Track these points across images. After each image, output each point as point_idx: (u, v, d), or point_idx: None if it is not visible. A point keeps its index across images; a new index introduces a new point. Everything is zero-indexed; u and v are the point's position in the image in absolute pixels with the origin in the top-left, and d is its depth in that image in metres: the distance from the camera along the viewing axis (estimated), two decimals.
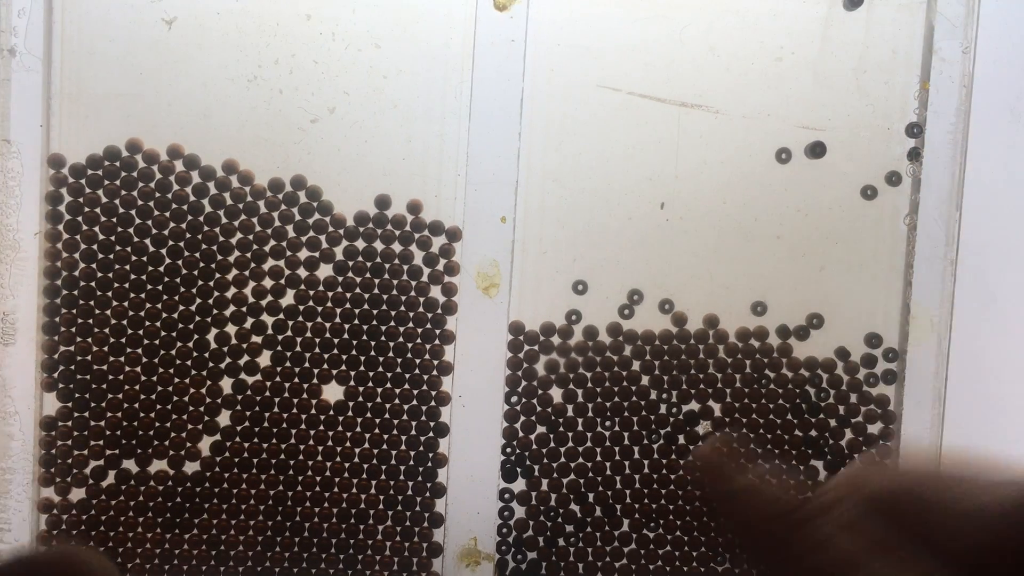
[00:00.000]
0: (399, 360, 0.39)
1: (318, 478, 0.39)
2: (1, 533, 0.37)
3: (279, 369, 0.38)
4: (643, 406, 0.40)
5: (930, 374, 0.40)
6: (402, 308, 0.39)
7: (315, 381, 0.38)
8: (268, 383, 0.38)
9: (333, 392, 0.39)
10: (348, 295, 0.38)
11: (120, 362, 0.37)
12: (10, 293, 0.37)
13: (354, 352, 0.38)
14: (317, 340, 0.38)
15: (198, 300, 0.38)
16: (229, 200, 0.38)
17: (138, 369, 0.38)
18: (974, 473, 0.22)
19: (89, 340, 0.37)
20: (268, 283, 0.38)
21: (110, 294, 0.37)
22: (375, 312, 0.38)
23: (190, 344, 0.38)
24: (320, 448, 0.39)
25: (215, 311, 0.38)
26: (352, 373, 0.39)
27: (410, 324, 0.39)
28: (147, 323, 0.37)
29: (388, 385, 0.39)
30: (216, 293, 0.38)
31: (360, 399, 0.39)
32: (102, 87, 0.37)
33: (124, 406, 0.38)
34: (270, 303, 0.38)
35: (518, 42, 0.38)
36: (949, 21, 0.39)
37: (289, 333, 0.38)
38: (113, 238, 0.37)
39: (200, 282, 0.38)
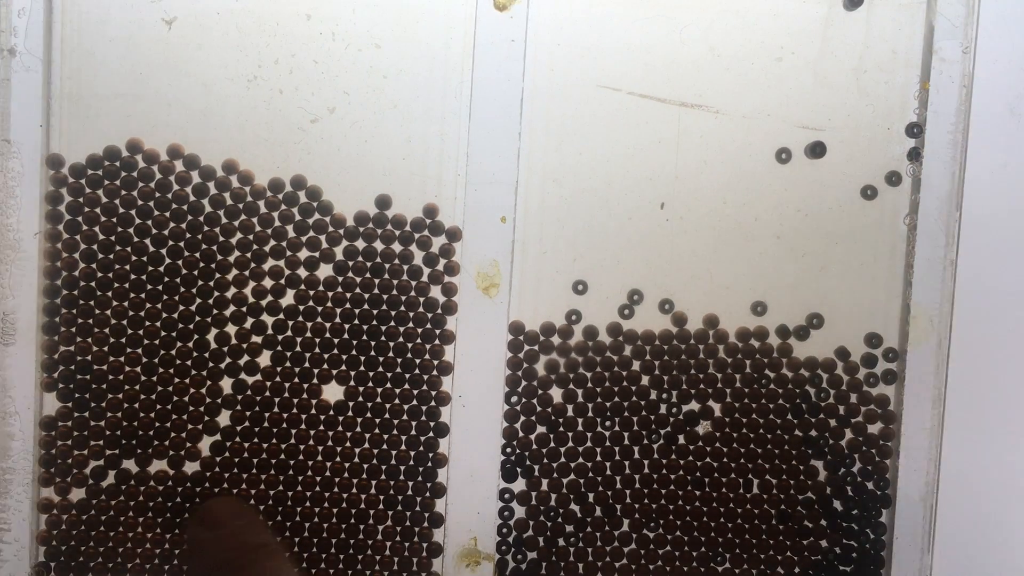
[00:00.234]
0: (399, 360, 0.39)
1: (318, 478, 0.39)
2: (1, 533, 0.37)
3: (279, 369, 0.38)
4: (643, 406, 0.40)
5: (930, 374, 0.40)
6: (402, 308, 0.39)
7: (315, 381, 0.38)
8: (268, 383, 0.38)
9: (333, 392, 0.39)
10: (348, 295, 0.38)
11: (120, 362, 0.37)
12: (10, 293, 0.37)
13: (354, 352, 0.38)
14: (317, 340, 0.38)
15: (198, 300, 0.38)
16: (229, 200, 0.38)
17: (138, 369, 0.38)
18: None
19: (89, 340, 0.37)
20: (268, 283, 0.38)
21: (110, 294, 0.37)
22: (375, 312, 0.38)
23: (190, 344, 0.38)
24: (320, 448, 0.39)
25: (215, 311, 0.38)
26: (352, 373, 0.39)
27: (410, 324, 0.39)
28: (147, 323, 0.37)
29: (388, 385, 0.39)
30: (216, 293, 0.38)
31: (360, 399, 0.39)
32: (102, 87, 0.37)
33: (124, 406, 0.38)
34: (270, 303, 0.38)
35: (518, 42, 0.38)
36: (949, 21, 0.39)
37: (289, 333, 0.38)
38: (113, 238, 0.37)
39: (200, 282, 0.38)
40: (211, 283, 0.38)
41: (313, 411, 0.39)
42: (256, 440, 0.38)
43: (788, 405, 0.40)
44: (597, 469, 0.40)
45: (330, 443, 0.39)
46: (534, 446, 0.40)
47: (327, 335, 0.38)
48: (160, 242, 0.37)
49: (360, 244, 0.38)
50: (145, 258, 0.37)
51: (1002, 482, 0.41)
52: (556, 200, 0.39)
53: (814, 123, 0.39)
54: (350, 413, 0.39)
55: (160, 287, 0.37)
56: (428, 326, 0.39)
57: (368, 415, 0.39)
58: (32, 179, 0.36)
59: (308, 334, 0.38)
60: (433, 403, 0.39)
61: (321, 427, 0.39)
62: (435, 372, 0.39)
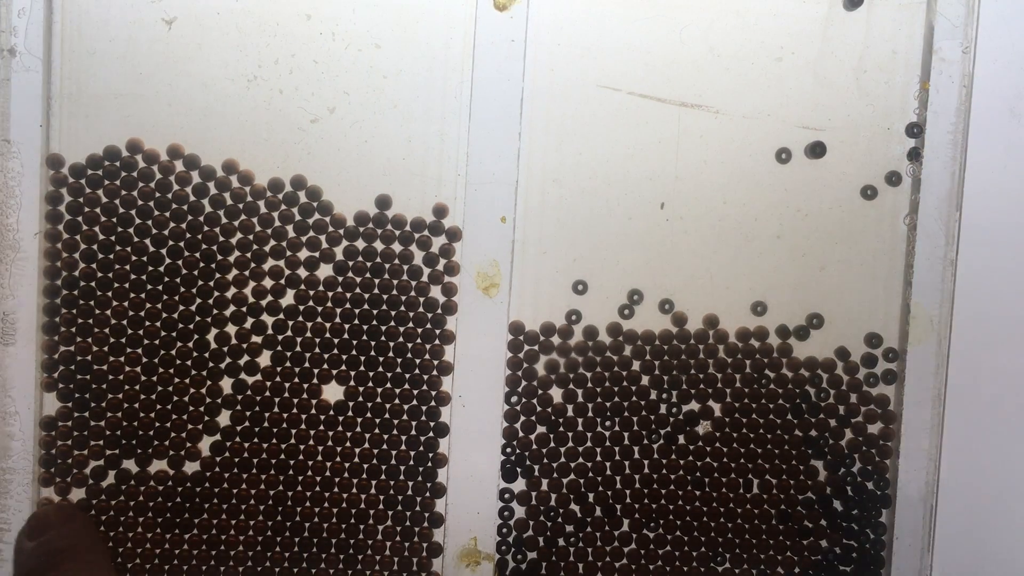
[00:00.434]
0: (399, 360, 0.39)
1: (318, 478, 0.39)
2: (1, 533, 0.37)
3: (279, 369, 0.38)
4: (643, 406, 0.40)
5: (930, 374, 0.40)
6: (402, 308, 0.39)
7: (315, 381, 0.38)
8: (268, 383, 0.38)
9: (333, 392, 0.39)
10: (348, 295, 0.38)
11: (120, 362, 0.37)
12: (10, 293, 0.37)
13: (354, 352, 0.38)
14: (317, 340, 0.38)
15: (198, 300, 0.38)
16: (229, 200, 0.38)
17: (138, 369, 0.38)
18: None
19: (89, 340, 0.37)
20: (268, 283, 0.38)
21: (110, 294, 0.37)
22: (375, 312, 0.38)
23: (190, 344, 0.38)
24: (320, 448, 0.39)
25: (215, 311, 0.38)
26: (352, 373, 0.39)
27: (410, 324, 0.39)
28: (147, 323, 0.37)
29: (388, 385, 0.39)
30: (216, 293, 0.38)
31: (360, 399, 0.39)
32: (102, 87, 0.37)
33: (124, 406, 0.38)
34: (270, 303, 0.38)
35: (518, 42, 0.38)
36: (949, 21, 0.39)
37: (289, 333, 0.38)
38: (113, 238, 0.37)
39: (200, 282, 0.38)
40: (211, 283, 0.38)
41: (313, 411, 0.39)
42: (256, 440, 0.38)
43: (788, 405, 0.40)
44: (597, 469, 0.40)
45: (330, 443, 0.39)
46: (534, 446, 0.40)
47: (327, 335, 0.38)
48: (160, 242, 0.37)
49: (360, 244, 0.38)
50: (145, 258, 0.37)
51: (1002, 482, 0.41)
52: (556, 200, 0.39)
53: (814, 123, 0.39)
54: (350, 413, 0.39)
55: (160, 287, 0.37)
56: (428, 326, 0.39)
57: (368, 415, 0.39)
58: (32, 179, 0.36)
59: (308, 334, 0.38)
60: (433, 403, 0.39)
61: (321, 427, 0.39)
62: (435, 372, 0.39)
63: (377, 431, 0.39)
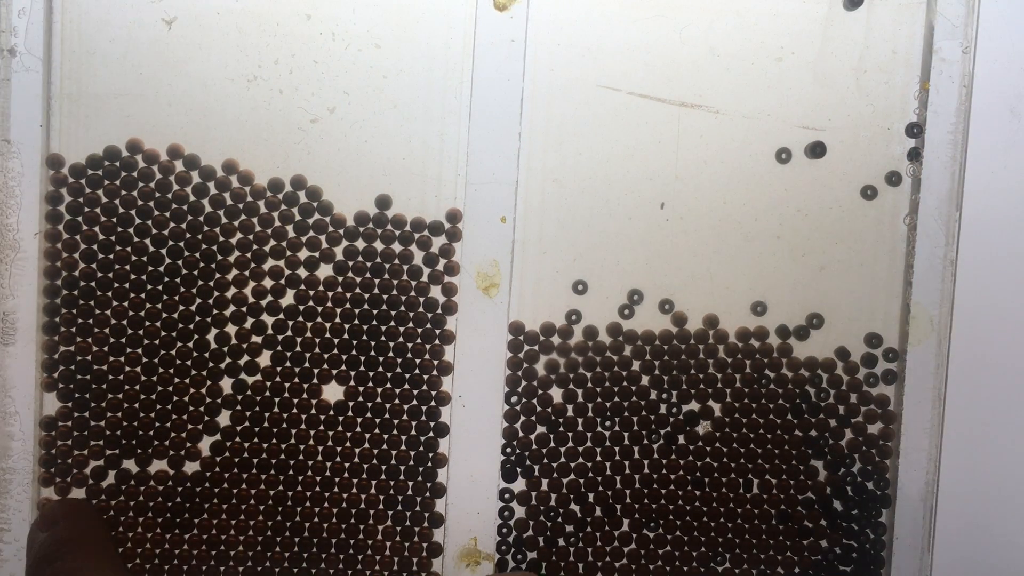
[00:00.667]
0: (399, 360, 0.39)
1: (318, 478, 0.39)
2: (1, 533, 0.37)
3: (279, 369, 0.38)
4: (643, 406, 0.40)
5: (930, 374, 0.40)
6: (402, 308, 0.39)
7: (315, 381, 0.38)
8: (268, 383, 0.38)
9: (333, 392, 0.39)
10: (348, 295, 0.38)
11: (120, 362, 0.37)
12: (10, 293, 0.37)
13: (354, 352, 0.38)
14: (317, 340, 0.38)
15: (198, 300, 0.38)
16: (229, 200, 0.38)
17: (138, 369, 0.38)
18: None
19: (89, 340, 0.37)
20: (268, 283, 0.38)
21: (110, 294, 0.37)
22: (375, 312, 0.38)
23: (190, 344, 0.38)
24: (320, 448, 0.39)
25: (215, 311, 0.38)
26: (352, 373, 0.39)
27: (410, 324, 0.39)
28: (147, 323, 0.37)
29: (388, 385, 0.39)
30: (216, 293, 0.38)
31: (360, 399, 0.39)
32: (102, 87, 0.37)
33: (124, 406, 0.38)
34: (270, 303, 0.38)
35: (518, 42, 0.38)
36: (949, 21, 0.39)
37: (289, 333, 0.38)
38: (113, 238, 0.37)
39: (200, 282, 0.38)
40: (211, 283, 0.38)
41: (313, 411, 0.39)
42: (256, 440, 0.38)
43: (788, 405, 0.40)
44: (597, 469, 0.40)
45: (330, 443, 0.39)
46: (534, 446, 0.40)
47: (327, 335, 0.38)
48: (160, 242, 0.37)
49: (360, 244, 0.38)
50: (145, 258, 0.37)
51: (1002, 482, 0.41)
52: (556, 200, 0.39)
53: (814, 123, 0.39)
54: (350, 413, 0.39)
55: (160, 287, 0.37)
56: (428, 326, 0.39)
57: (368, 415, 0.39)
58: (32, 179, 0.36)
59: (308, 334, 0.38)
60: (433, 403, 0.39)
61: (321, 427, 0.39)
62: (435, 372, 0.39)
63: (377, 431, 0.39)
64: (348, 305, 0.38)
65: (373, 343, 0.38)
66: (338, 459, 0.39)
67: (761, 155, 0.39)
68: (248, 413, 0.38)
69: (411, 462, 0.39)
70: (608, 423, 0.40)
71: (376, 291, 0.38)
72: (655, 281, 0.40)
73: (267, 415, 0.38)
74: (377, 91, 0.38)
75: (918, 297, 0.40)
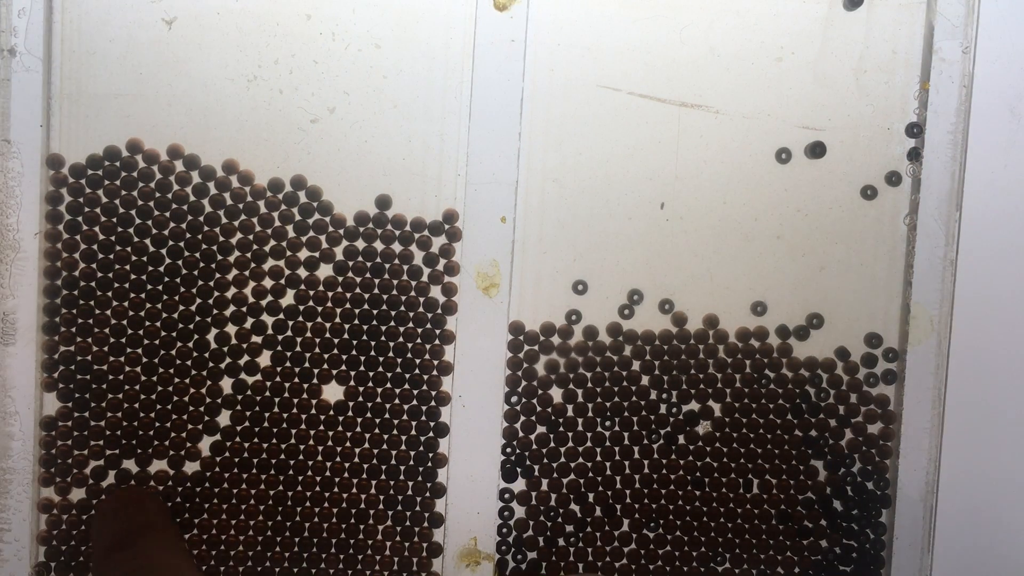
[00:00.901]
0: (399, 360, 0.39)
1: (318, 478, 0.39)
2: (1, 533, 0.37)
3: (279, 369, 0.38)
4: (643, 406, 0.40)
5: (930, 374, 0.40)
6: (402, 308, 0.39)
7: (315, 381, 0.38)
8: (268, 383, 0.38)
9: (333, 392, 0.39)
10: (348, 295, 0.38)
11: (120, 362, 0.37)
12: (10, 293, 0.37)
13: (354, 352, 0.38)
14: (317, 340, 0.38)
15: (198, 300, 0.38)
16: (229, 200, 0.38)
17: (138, 369, 0.38)
18: None
19: (89, 340, 0.37)
20: (268, 283, 0.38)
21: (110, 294, 0.37)
22: (375, 312, 0.38)
23: (190, 344, 0.38)
24: (320, 448, 0.39)
25: (215, 311, 0.38)
26: (352, 373, 0.39)
27: (410, 324, 0.39)
28: (147, 323, 0.37)
29: (388, 385, 0.39)
30: (216, 293, 0.38)
31: (360, 399, 0.39)
32: (102, 87, 0.37)
33: (124, 406, 0.38)
34: (270, 303, 0.38)
35: (518, 42, 0.38)
36: (949, 21, 0.39)
37: (289, 333, 0.38)
38: (113, 238, 0.37)
39: (200, 282, 0.38)
40: (211, 283, 0.38)
41: (313, 411, 0.39)
42: (256, 440, 0.38)
43: (788, 405, 0.40)
44: (597, 469, 0.40)
45: (330, 443, 0.39)
46: (534, 446, 0.40)
47: (327, 335, 0.38)
48: (160, 242, 0.37)
49: (360, 244, 0.38)
50: (145, 258, 0.37)
51: (1002, 482, 0.41)
52: (556, 200, 0.39)
53: (814, 123, 0.39)
54: (350, 413, 0.39)
55: (160, 287, 0.37)
56: (428, 326, 0.39)
57: (368, 415, 0.39)
58: (32, 179, 0.36)
59: (308, 334, 0.38)
60: (433, 403, 0.39)
61: (321, 427, 0.39)
62: (435, 372, 0.39)
63: (377, 431, 0.39)
64: (348, 305, 0.38)
65: (373, 343, 0.39)
66: (338, 459, 0.39)
67: (761, 155, 0.39)
68: (248, 413, 0.38)
69: (411, 462, 0.39)
70: (608, 423, 0.40)
71: (376, 291, 0.38)
72: (655, 281, 0.40)
73: (267, 415, 0.38)
74: (377, 91, 0.38)
75: (918, 297, 0.40)
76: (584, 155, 0.39)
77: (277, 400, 0.38)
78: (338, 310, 0.38)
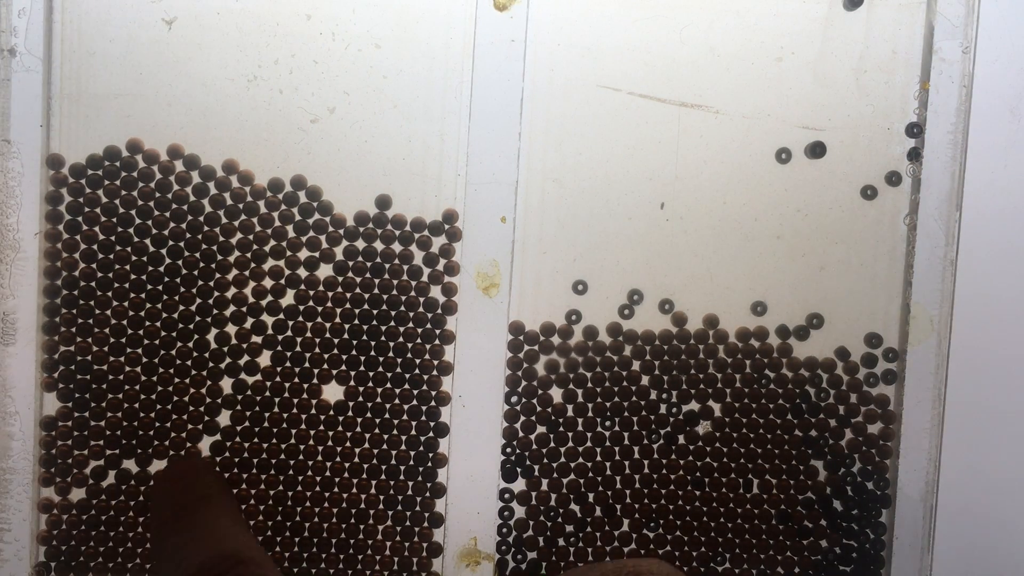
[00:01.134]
0: (399, 360, 0.39)
1: (318, 478, 0.39)
2: (1, 533, 0.37)
3: (279, 369, 0.38)
4: (643, 406, 0.40)
5: (930, 374, 0.40)
6: (402, 308, 0.39)
7: (315, 381, 0.38)
8: (268, 383, 0.38)
9: (333, 392, 0.39)
10: (348, 295, 0.38)
11: (120, 362, 0.37)
12: (10, 293, 0.37)
13: (354, 352, 0.38)
14: (317, 340, 0.38)
15: (198, 300, 0.38)
16: (229, 200, 0.38)
17: (138, 369, 0.38)
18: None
19: (89, 340, 0.37)
20: (268, 283, 0.38)
21: (110, 294, 0.37)
22: (375, 312, 0.38)
23: (190, 344, 0.38)
24: (320, 448, 0.39)
25: (215, 311, 0.38)
26: (352, 373, 0.39)
27: (410, 324, 0.39)
28: (147, 323, 0.37)
29: (388, 385, 0.39)
30: (216, 293, 0.38)
31: (360, 399, 0.39)
32: (102, 87, 0.37)
33: (124, 406, 0.38)
34: (270, 303, 0.38)
35: (518, 42, 0.38)
36: (949, 21, 0.39)
37: (289, 333, 0.38)
38: (113, 238, 0.37)
39: (200, 282, 0.38)
40: (211, 283, 0.38)
41: (313, 411, 0.39)
42: (256, 440, 0.38)
43: (788, 405, 0.40)
44: (597, 469, 0.40)
45: (330, 443, 0.39)
46: (534, 446, 0.40)
47: (327, 335, 0.38)
48: (160, 242, 0.37)
49: (360, 244, 0.38)
50: (145, 258, 0.37)
51: (1002, 482, 0.41)
52: (556, 200, 0.39)
53: (814, 123, 0.39)
54: (350, 413, 0.39)
55: (160, 287, 0.37)
56: (428, 326, 0.39)
57: (368, 415, 0.39)
58: (32, 179, 0.36)
59: (308, 334, 0.38)
60: (433, 403, 0.39)
61: (321, 427, 0.39)
62: (435, 372, 0.39)
63: (377, 431, 0.39)
64: (348, 305, 0.38)
65: (373, 343, 0.39)
66: (338, 459, 0.39)
67: (761, 155, 0.39)
68: (248, 413, 0.38)
69: (411, 462, 0.39)
70: (608, 423, 0.40)
71: (376, 291, 0.38)
72: (655, 281, 0.40)
73: (267, 415, 0.38)
74: (377, 91, 0.38)
75: (918, 297, 0.40)
76: (584, 155, 0.39)
77: (277, 400, 0.38)
78: (338, 310, 0.38)
